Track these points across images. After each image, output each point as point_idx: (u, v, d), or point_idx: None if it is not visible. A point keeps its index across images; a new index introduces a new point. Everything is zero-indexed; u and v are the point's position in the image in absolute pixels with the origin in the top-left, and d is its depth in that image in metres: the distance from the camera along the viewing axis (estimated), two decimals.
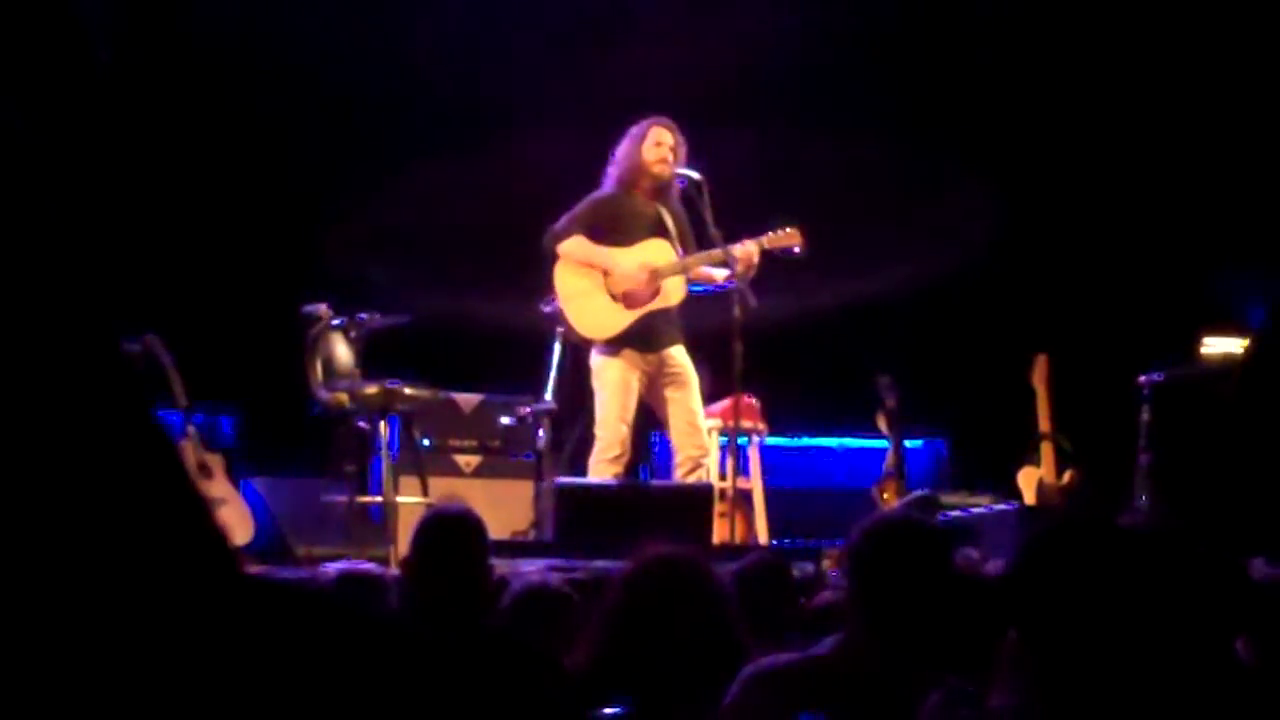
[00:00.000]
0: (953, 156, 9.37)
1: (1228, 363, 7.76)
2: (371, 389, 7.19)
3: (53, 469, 0.73)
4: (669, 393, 7.03)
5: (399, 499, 7.14)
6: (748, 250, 6.94)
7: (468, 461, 8.09)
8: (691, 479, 6.97)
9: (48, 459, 0.73)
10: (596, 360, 7.05)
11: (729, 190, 7.17)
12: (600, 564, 5.53)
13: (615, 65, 8.87)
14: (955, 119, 9.40)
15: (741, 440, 7.59)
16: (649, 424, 7.54)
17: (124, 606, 0.73)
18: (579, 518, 6.45)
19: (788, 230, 7.03)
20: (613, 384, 6.97)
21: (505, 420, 7.95)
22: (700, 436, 7.10)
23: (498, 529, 6.19)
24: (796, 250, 7.02)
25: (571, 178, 7.41)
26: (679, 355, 7.06)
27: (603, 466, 6.93)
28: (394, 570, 5.25)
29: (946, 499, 7.79)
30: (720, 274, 7.05)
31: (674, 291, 7.06)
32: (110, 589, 0.73)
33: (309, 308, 7.51)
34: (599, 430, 7.00)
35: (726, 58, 9.13)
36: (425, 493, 7.27)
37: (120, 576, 0.74)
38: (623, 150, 7.14)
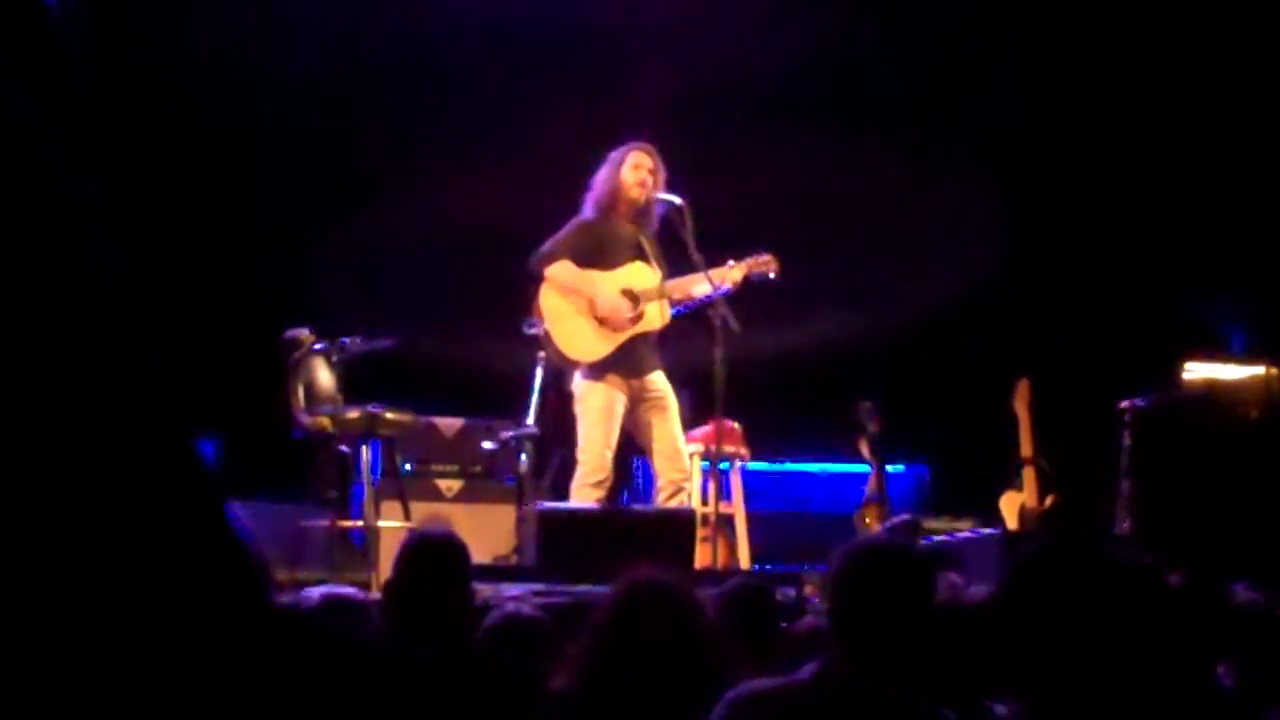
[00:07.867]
0: (936, 186, 9.39)
1: (1210, 388, 7.79)
2: (353, 413, 7.18)
3: (84, 484, 0.73)
4: (650, 418, 7.02)
5: (380, 524, 7.11)
6: (727, 273, 6.96)
7: (449, 486, 8.08)
8: (673, 503, 6.96)
9: (79, 472, 0.73)
10: (580, 385, 7.04)
11: (711, 218, 7.17)
12: (582, 589, 5.52)
13: (601, 94, 8.89)
14: (937, 147, 9.44)
15: (723, 465, 7.58)
16: (630, 449, 7.53)
17: (147, 625, 0.73)
18: (561, 542, 6.43)
19: (765, 257, 7.06)
20: (596, 409, 6.96)
21: (487, 445, 7.94)
22: (681, 461, 7.09)
23: (480, 553, 6.17)
24: (772, 276, 7.04)
25: (554, 202, 7.41)
26: (659, 380, 7.06)
27: (585, 491, 6.91)
28: (376, 595, 5.23)
29: (928, 524, 7.80)
30: (700, 290, 7.05)
31: (656, 316, 7.06)
32: (137, 608, 0.73)
33: (291, 332, 7.50)
34: (581, 455, 6.98)
35: (710, 88, 9.15)
36: (407, 517, 7.25)
37: (148, 597, 0.73)
38: (601, 175, 7.15)
